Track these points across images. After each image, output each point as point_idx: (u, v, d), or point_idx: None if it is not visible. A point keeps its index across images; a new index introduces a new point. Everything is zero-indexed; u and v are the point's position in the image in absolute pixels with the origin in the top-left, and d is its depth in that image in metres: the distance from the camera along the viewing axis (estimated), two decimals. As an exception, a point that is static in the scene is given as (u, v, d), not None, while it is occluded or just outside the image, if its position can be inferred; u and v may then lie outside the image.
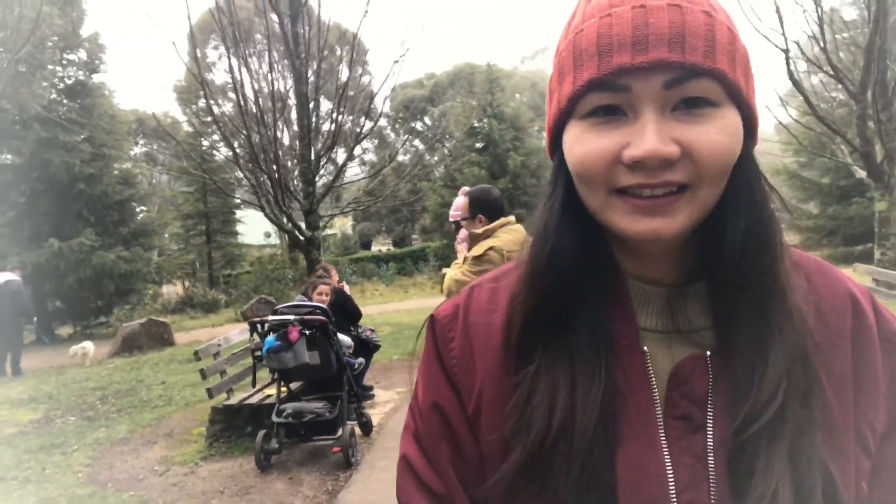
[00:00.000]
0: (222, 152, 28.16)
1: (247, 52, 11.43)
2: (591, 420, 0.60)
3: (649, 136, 0.56)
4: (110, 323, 17.30)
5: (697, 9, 0.58)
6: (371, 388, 7.10)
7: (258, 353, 5.27)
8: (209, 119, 28.58)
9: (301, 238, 11.68)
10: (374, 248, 40.58)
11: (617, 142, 0.58)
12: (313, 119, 11.73)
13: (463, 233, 4.01)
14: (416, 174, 20.68)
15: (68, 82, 16.91)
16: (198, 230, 26.91)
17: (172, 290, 27.61)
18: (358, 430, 5.47)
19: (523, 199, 26.39)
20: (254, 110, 11.17)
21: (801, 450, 0.58)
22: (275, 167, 11.17)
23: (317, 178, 11.83)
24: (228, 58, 11.82)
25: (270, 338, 4.72)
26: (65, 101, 16.60)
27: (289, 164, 14.70)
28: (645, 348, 0.65)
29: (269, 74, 11.64)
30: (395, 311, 16.49)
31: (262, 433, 4.92)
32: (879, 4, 8.97)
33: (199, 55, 13.82)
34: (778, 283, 0.62)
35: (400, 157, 41.31)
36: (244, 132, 11.03)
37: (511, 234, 3.53)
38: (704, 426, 0.62)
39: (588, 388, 0.61)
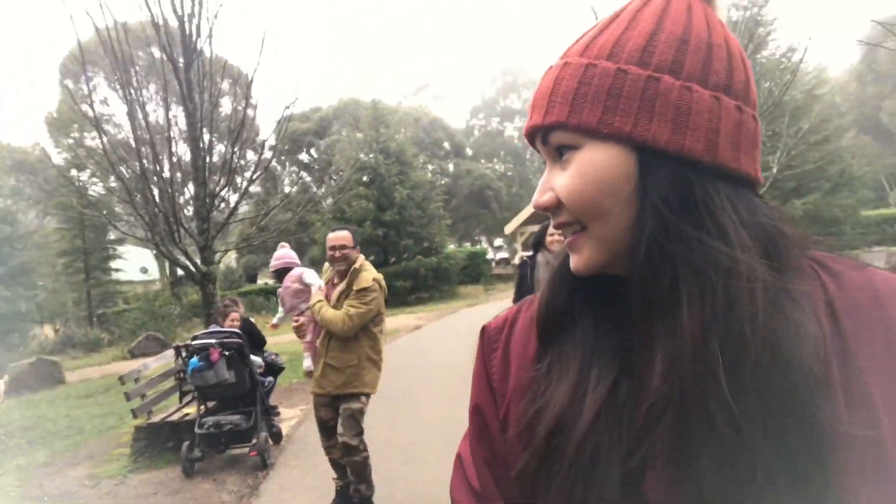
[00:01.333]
0: (99, 188, 27.52)
1: (130, 83, 11.90)
2: (589, 418, 0.63)
3: (540, 190, 0.65)
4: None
5: (580, 61, 0.63)
6: (276, 406, 7.91)
7: (182, 374, 6.04)
8: (84, 152, 27.87)
9: (196, 273, 12.19)
10: (260, 282, 40.23)
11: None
12: (206, 159, 12.36)
13: (291, 279, 4.75)
14: (305, 207, 21.29)
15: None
16: (74, 267, 26.04)
17: (42, 332, 26.44)
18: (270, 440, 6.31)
19: (410, 229, 27.74)
20: (145, 136, 11.70)
21: (832, 480, 0.55)
22: (169, 204, 11.70)
23: (210, 215, 12.42)
24: (119, 88, 12.19)
25: (194, 359, 5.52)
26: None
27: (179, 199, 15.05)
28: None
29: (151, 107, 12.21)
30: (289, 341, 17.09)
31: (185, 444, 5.68)
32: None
33: (82, 83, 13.93)
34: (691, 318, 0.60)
35: (287, 189, 41.52)
36: (136, 163, 11.49)
37: (370, 270, 4.25)
38: None
39: (594, 385, 0.64)
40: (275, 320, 5.35)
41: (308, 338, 4.53)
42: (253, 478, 5.51)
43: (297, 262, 5.03)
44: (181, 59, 12.27)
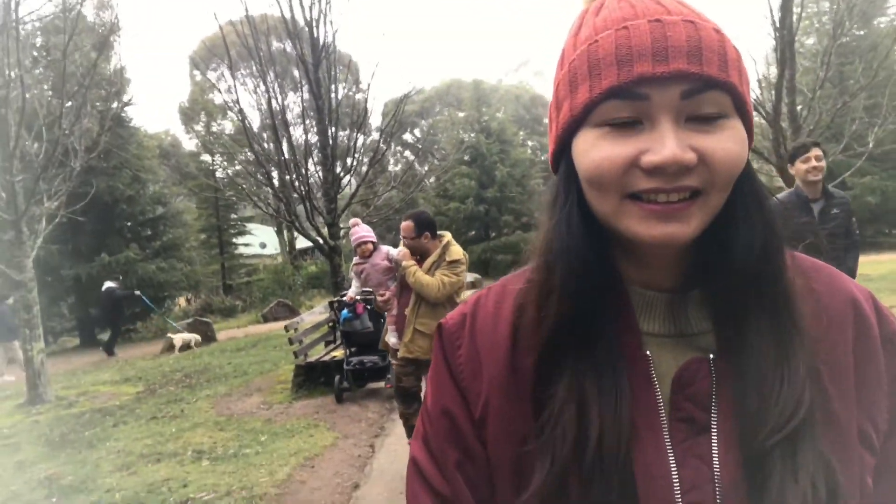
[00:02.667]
0: (228, 170, 30.48)
1: (267, 73, 13.80)
2: (625, 428, 0.62)
3: (669, 143, 0.58)
4: (149, 326, 19.48)
5: (709, 26, 0.61)
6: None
7: (334, 323, 7.61)
8: (211, 138, 30.86)
9: (325, 246, 13.97)
10: (352, 265, 42.43)
11: (635, 148, 0.60)
12: (333, 147, 14.06)
13: (380, 255, 5.17)
14: (408, 183, 22.78)
15: (100, 114, 19.11)
16: (210, 243, 29.10)
17: (179, 301, 29.96)
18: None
19: (510, 206, 28.88)
20: (274, 123, 13.58)
21: (811, 456, 0.59)
22: (304, 188, 13.52)
23: (337, 195, 14.15)
24: (263, 80, 14.06)
25: (345, 311, 7.01)
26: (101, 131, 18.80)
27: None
28: (648, 353, 0.66)
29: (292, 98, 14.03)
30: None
31: (337, 377, 7.22)
32: (786, 43, 11.38)
33: (210, 73, 15.92)
34: (788, 292, 0.64)
35: (392, 168, 43.59)
36: (276, 153, 13.37)
37: (457, 245, 4.46)
38: (709, 428, 0.63)
39: (614, 397, 0.63)
40: (352, 292, 5.88)
41: (394, 311, 4.73)
42: (389, 403, 6.96)
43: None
44: (310, 58, 13.92)
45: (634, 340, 0.67)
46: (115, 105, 18.87)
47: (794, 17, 11.70)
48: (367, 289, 5.75)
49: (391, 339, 4.75)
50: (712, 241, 0.64)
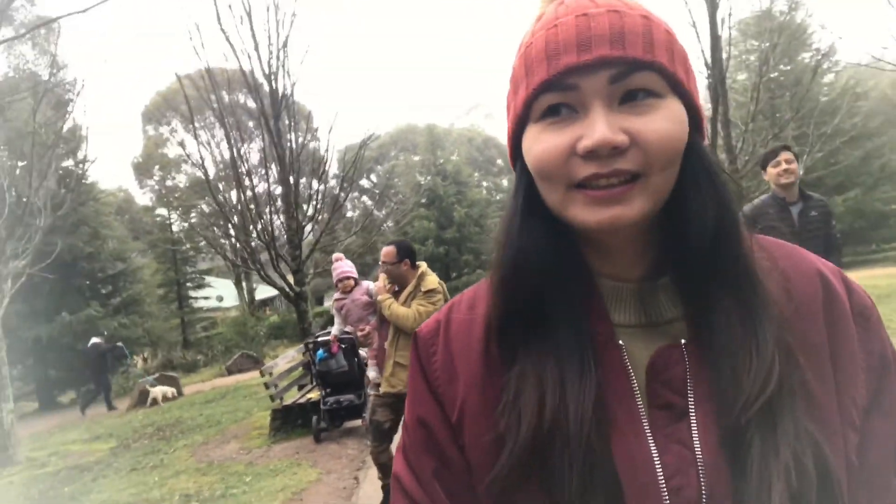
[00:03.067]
0: (182, 224, 30.41)
1: (227, 123, 14.19)
2: (588, 412, 0.62)
3: (599, 126, 0.60)
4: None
5: (636, 13, 0.63)
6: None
7: (310, 365, 7.84)
8: (165, 191, 30.79)
9: (291, 293, 14.15)
10: (327, 304, 42.43)
11: (571, 136, 0.62)
12: (296, 196, 14.38)
13: (360, 291, 5.24)
14: (367, 228, 22.98)
15: (61, 173, 19.07)
16: (169, 297, 28.80)
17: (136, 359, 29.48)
18: (374, 416, 8.00)
19: (469, 245, 29.49)
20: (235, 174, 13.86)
21: (791, 428, 0.60)
22: (267, 236, 13.77)
23: (301, 243, 14.40)
24: (225, 129, 14.37)
25: (320, 351, 7.26)
26: (62, 189, 18.76)
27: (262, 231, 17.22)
28: (620, 342, 0.67)
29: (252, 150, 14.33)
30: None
31: (315, 417, 7.44)
32: (717, 80, 12.32)
33: (163, 127, 16.12)
34: (749, 268, 0.65)
35: (350, 213, 43.88)
36: (238, 202, 13.57)
37: (433, 275, 4.50)
38: (687, 413, 0.63)
39: (578, 382, 0.63)
40: (334, 331, 5.95)
41: (375, 345, 4.77)
42: (367, 440, 7.18)
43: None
44: (270, 110, 14.31)
45: (607, 331, 0.67)
46: (71, 163, 18.93)
47: (724, 56, 12.69)
48: (348, 329, 5.74)
49: (371, 372, 4.77)
50: (674, 227, 0.65)
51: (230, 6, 13.39)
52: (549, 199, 0.66)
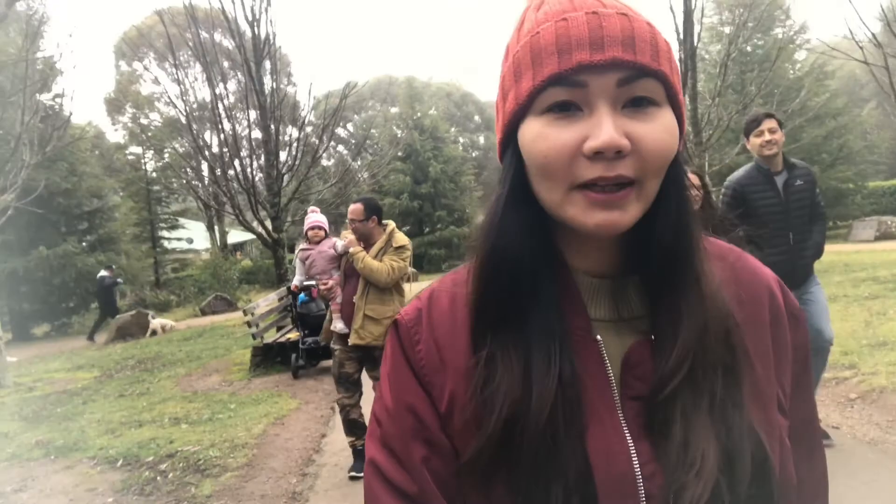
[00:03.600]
0: (154, 164, 30.30)
1: (208, 62, 14.40)
2: (546, 404, 0.64)
3: (606, 128, 0.61)
4: (83, 321, 19.48)
5: (642, 19, 0.64)
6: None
7: (291, 307, 8.42)
8: (147, 130, 30.56)
9: (269, 239, 14.59)
10: (297, 251, 42.83)
11: (577, 135, 0.63)
12: (276, 143, 14.68)
13: (328, 244, 5.24)
14: (342, 179, 23.36)
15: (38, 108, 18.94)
16: (142, 237, 28.90)
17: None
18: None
19: (443, 202, 29.98)
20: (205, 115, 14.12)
21: (728, 419, 0.64)
22: (247, 182, 14.15)
23: (281, 189, 14.78)
24: (205, 69, 14.61)
25: (301, 295, 7.81)
26: (39, 124, 18.67)
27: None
28: (598, 337, 0.69)
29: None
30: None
31: (294, 356, 8.04)
32: (688, 53, 12.87)
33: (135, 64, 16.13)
34: (692, 270, 0.68)
35: (325, 163, 43.95)
36: (217, 145, 13.85)
37: (401, 233, 4.58)
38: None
39: (543, 372, 0.65)
40: (296, 282, 5.91)
41: (339, 299, 4.75)
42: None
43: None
44: (251, 56, 14.47)
45: (584, 325, 0.70)
46: (47, 97, 18.78)
47: (697, 30, 13.21)
48: (310, 282, 5.63)
49: (338, 324, 4.66)
50: (642, 225, 0.66)
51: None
52: (546, 197, 0.67)
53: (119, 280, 17.64)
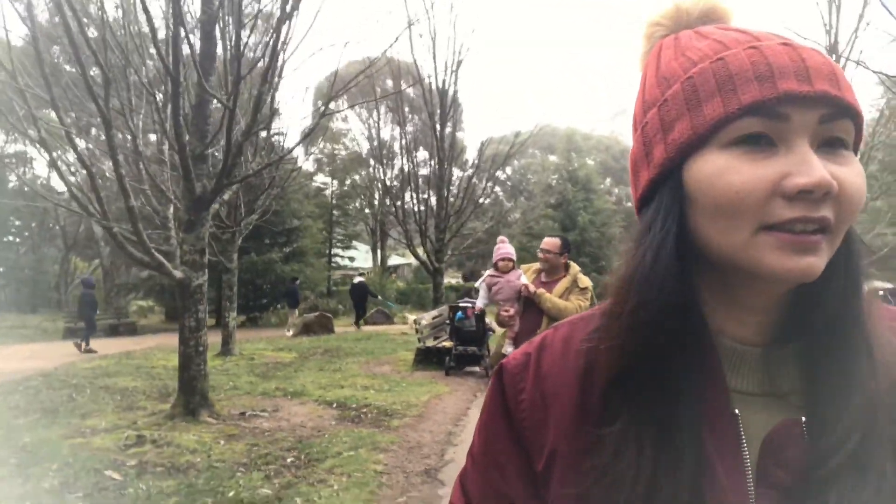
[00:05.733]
0: (341, 192, 34.87)
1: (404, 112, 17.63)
2: (683, 493, 0.57)
3: (817, 165, 0.54)
4: (269, 317, 23.46)
5: (829, 57, 0.58)
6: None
7: (451, 321, 10.95)
8: (333, 161, 35.42)
9: (432, 267, 17.42)
10: (445, 281, 45.89)
11: (776, 171, 0.55)
12: (448, 188, 17.59)
13: (516, 275, 5.20)
14: (494, 217, 25.50)
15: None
16: (322, 253, 33.44)
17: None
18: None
19: (588, 249, 31.76)
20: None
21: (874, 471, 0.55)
22: (421, 216, 17.15)
23: (447, 226, 17.62)
24: (401, 119, 17.91)
25: (459, 313, 10.27)
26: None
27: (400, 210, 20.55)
28: (736, 411, 0.61)
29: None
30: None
31: (447, 358, 10.50)
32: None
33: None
34: (863, 337, 0.59)
35: (481, 201, 47.07)
36: (409, 179, 16.97)
37: (584, 275, 4.89)
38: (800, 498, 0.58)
39: (677, 457, 0.57)
40: (480, 303, 6.07)
41: (516, 328, 4.96)
42: (484, 381, 10.13)
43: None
44: (437, 113, 17.49)
45: (722, 397, 0.61)
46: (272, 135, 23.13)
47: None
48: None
49: (508, 349, 4.89)
50: (803, 286, 0.58)
51: (420, 35, 16.76)
52: (723, 239, 0.58)
53: (378, 297, 21.82)
